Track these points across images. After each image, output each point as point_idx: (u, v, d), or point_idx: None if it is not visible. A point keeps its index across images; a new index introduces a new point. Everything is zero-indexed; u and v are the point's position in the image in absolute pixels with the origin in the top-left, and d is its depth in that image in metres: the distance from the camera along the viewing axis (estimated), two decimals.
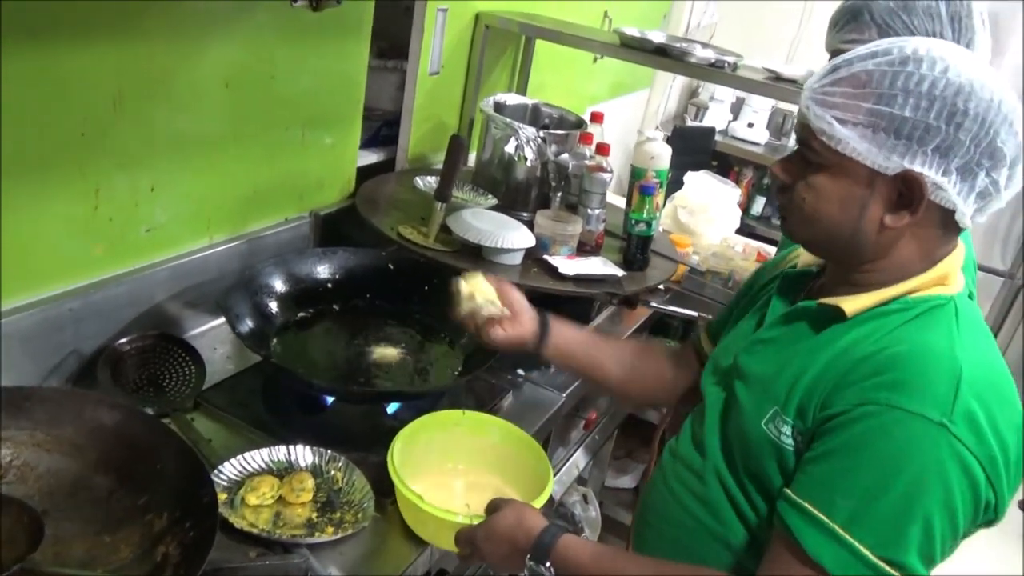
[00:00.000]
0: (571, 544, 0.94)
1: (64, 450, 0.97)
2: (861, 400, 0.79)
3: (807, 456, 0.83)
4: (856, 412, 0.79)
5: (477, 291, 1.13)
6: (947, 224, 0.84)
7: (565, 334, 1.20)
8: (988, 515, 0.80)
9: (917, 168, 0.80)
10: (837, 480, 0.79)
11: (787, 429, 0.86)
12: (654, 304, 1.88)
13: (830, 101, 0.83)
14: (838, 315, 0.87)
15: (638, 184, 1.69)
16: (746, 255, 2.15)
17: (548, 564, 0.93)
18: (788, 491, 0.83)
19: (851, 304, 0.87)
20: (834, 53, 1.31)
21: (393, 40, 1.86)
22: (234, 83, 1.34)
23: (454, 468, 1.17)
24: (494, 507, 1.00)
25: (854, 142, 0.81)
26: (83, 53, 1.08)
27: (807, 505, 0.80)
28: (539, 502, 1.04)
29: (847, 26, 1.17)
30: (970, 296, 1.13)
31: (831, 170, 0.84)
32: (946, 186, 0.80)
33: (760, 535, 0.90)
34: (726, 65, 1.82)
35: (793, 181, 0.89)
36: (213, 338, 1.40)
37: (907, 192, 0.81)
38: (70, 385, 1.19)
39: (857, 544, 0.77)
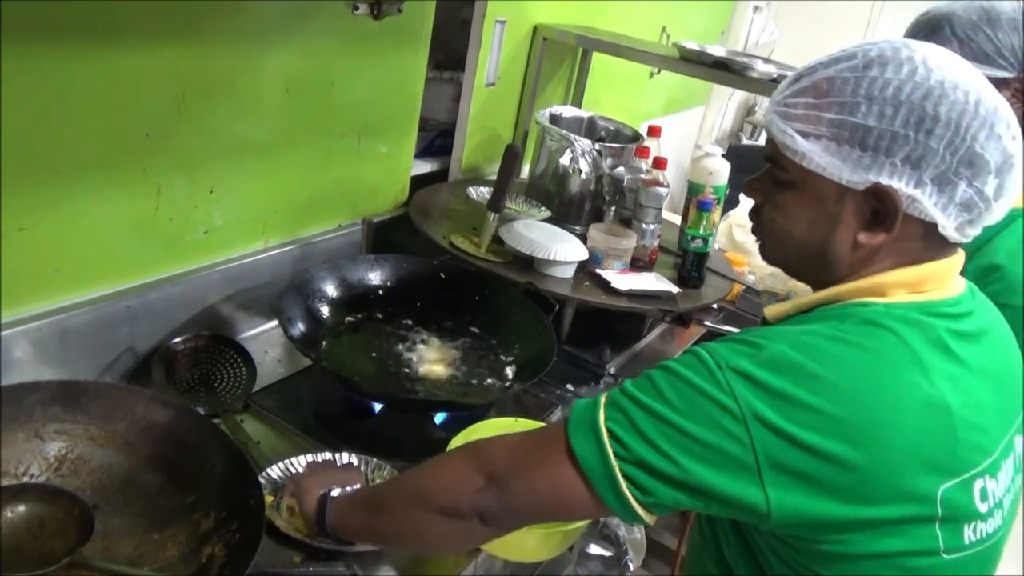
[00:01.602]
0: (338, 507, 0.93)
1: (117, 445, 0.98)
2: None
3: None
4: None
5: None
6: (931, 237, 0.76)
7: None
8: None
9: (885, 181, 0.73)
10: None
11: None
12: (708, 323, 1.83)
13: (792, 113, 0.77)
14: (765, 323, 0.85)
15: (695, 199, 1.66)
16: None
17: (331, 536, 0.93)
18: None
19: (772, 310, 0.84)
20: None
21: (450, 51, 1.87)
22: (294, 89, 1.35)
23: None
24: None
25: (818, 156, 0.76)
26: (148, 56, 1.09)
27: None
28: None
29: (925, 41, 1.13)
30: None
31: (798, 187, 0.79)
32: (921, 198, 0.73)
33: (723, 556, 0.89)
34: None
35: (764, 201, 0.85)
36: (265, 341, 1.40)
37: (880, 207, 0.75)
38: (125, 382, 1.20)
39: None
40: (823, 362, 0.70)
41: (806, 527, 0.71)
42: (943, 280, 0.79)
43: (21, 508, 0.86)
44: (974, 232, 0.77)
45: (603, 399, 0.77)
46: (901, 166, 0.73)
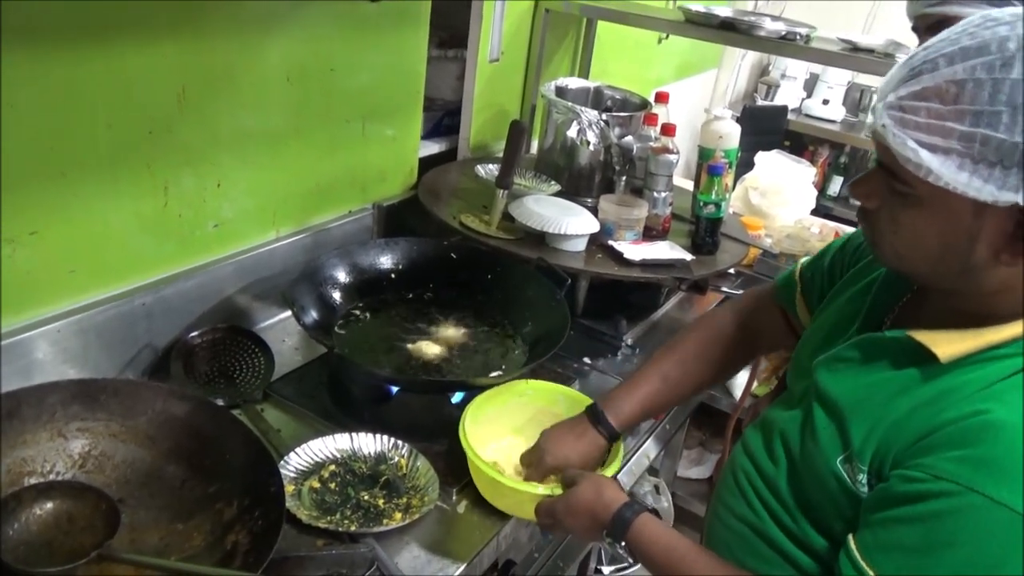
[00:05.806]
0: (648, 527, 0.91)
1: (139, 440, 0.99)
2: (939, 473, 0.69)
3: (879, 516, 0.74)
4: (933, 485, 0.69)
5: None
6: None
7: (624, 416, 1.09)
8: None
9: None
10: (909, 558, 0.70)
11: (863, 477, 0.77)
12: (725, 289, 1.82)
13: (911, 120, 0.66)
14: (930, 356, 0.74)
15: (706, 164, 1.64)
16: (823, 236, 2.06)
17: (623, 543, 0.91)
18: (853, 548, 0.75)
19: (947, 348, 0.73)
20: (918, 19, 1.22)
21: (452, 29, 1.85)
22: (295, 77, 1.35)
23: (521, 436, 1.17)
24: (571, 480, 0.99)
25: (949, 173, 0.65)
26: (148, 52, 1.10)
27: (872, 574, 0.72)
28: (610, 471, 1.03)
29: None
30: None
31: (924, 203, 0.68)
32: None
33: (801, 559, 0.86)
34: (798, 37, 1.74)
35: (878, 207, 0.75)
36: (281, 330, 1.42)
37: None
38: (145, 378, 1.22)
39: None
40: None
41: None
42: None
43: (49, 505, 0.89)
44: None
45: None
46: None
